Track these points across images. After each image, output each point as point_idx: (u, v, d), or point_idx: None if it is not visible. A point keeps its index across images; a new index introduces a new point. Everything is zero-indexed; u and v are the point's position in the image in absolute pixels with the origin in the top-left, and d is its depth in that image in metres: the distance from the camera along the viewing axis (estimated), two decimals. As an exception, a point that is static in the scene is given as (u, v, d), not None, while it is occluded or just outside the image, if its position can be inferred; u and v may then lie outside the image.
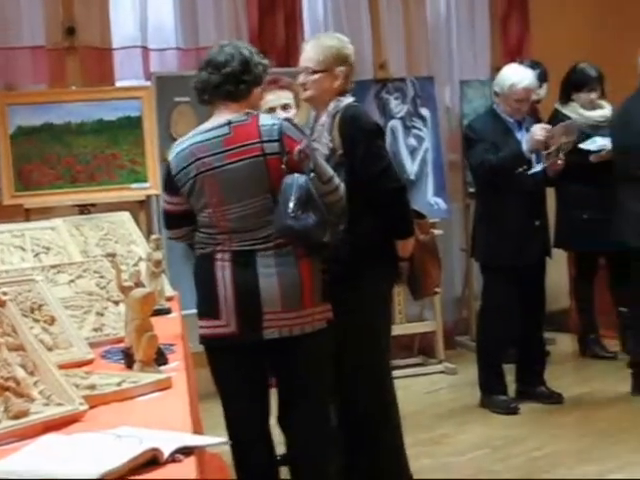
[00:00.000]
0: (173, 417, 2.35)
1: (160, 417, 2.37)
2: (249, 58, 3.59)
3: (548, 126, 5.56)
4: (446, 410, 5.82)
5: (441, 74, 7.27)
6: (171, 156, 3.57)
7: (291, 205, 3.40)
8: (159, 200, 5.91)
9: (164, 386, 2.65)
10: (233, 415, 3.62)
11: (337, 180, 3.62)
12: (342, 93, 4.03)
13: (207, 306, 3.52)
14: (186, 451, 2.03)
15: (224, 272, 3.47)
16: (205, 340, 3.57)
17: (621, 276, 6.44)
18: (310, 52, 4.04)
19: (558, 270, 6.92)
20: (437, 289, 4.33)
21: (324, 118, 3.98)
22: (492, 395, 5.68)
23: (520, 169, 5.40)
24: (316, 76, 4.00)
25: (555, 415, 5.57)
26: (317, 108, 4.07)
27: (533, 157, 5.52)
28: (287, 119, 3.63)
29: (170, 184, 3.59)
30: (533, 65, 6.60)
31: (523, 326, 5.75)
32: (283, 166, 3.45)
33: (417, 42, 7.24)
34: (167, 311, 3.92)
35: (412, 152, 6.70)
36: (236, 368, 3.54)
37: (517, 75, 5.56)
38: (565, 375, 6.32)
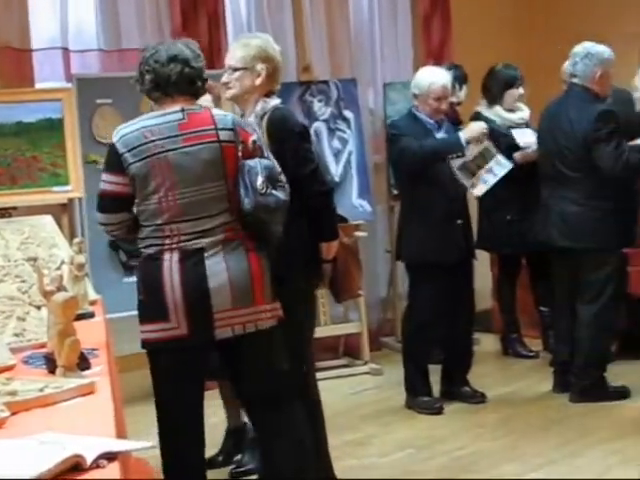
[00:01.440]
0: (97, 422, 2.33)
1: (84, 423, 2.34)
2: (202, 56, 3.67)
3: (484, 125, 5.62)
4: (371, 411, 5.84)
5: (364, 76, 7.31)
6: (116, 138, 3.49)
7: (259, 183, 3.43)
8: (82, 203, 5.85)
9: (87, 391, 2.62)
10: (171, 417, 3.57)
11: (284, 177, 3.63)
12: (268, 94, 4.04)
13: (154, 309, 3.46)
14: (110, 456, 2.01)
15: (172, 274, 3.43)
16: (150, 344, 3.52)
17: (541, 276, 6.55)
18: (232, 51, 4.13)
19: (481, 271, 6.99)
20: (360, 291, 4.35)
21: (251, 119, 3.98)
22: (417, 396, 5.72)
23: (453, 156, 5.49)
24: (237, 74, 4.05)
25: (479, 414, 5.63)
26: (242, 108, 4.09)
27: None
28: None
29: (115, 163, 3.50)
30: (453, 67, 6.68)
31: (450, 326, 5.80)
32: (240, 154, 3.47)
33: (340, 44, 7.26)
34: (90, 315, 3.88)
35: (336, 154, 6.72)
36: (182, 370, 3.51)
37: (434, 74, 5.65)
38: (488, 375, 6.39)
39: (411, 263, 5.74)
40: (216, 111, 3.60)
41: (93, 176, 5.85)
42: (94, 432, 2.20)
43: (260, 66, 4.03)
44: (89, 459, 1.96)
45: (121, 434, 2.57)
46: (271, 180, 3.49)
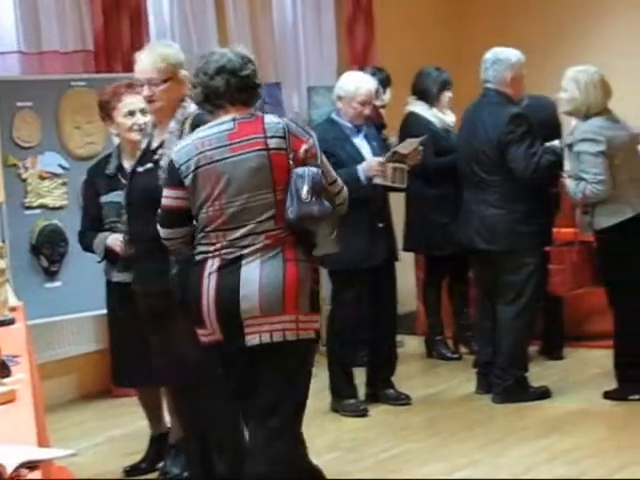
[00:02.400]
0: (18, 431, 2.30)
1: (4, 431, 2.30)
2: (254, 61, 3.67)
3: (381, 160, 5.57)
4: (297, 414, 5.83)
5: (288, 80, 7.31)
6: (174, 152, 3.60)
7: (304, 192, 3.45)
8: (1, 207, 5.75)
9: (8, 399, 2.58)
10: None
11: (341, 182, 3.70)
12: (183, 98, 4.01)
13: (195, 316, 3.58)
14: (31, 465, 1.98)
15: (209, 281, 3.52)
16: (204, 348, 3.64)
17: (464, 278, 6.63)
18: (149, 63, 3.98)
19: (405, 273, 7.05)
20: None
21: (172, 124, 3.95)
22: (342, 399, 5.73)
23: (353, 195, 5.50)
24: (163, 86, 3.96)
25: (403, 416, 5.66)
26: (160, 117, 4.03)
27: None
28: (292, 120, 3.72)
29: (174, 177, 3.59)
30: (376, 71, 6.72)
31: (373, 329, 5.83)
32: (291, 162, 3.49)
33: (264, 48, 7.26)
34: (10, 322, 3.81)
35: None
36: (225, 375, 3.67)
37: (361, 79, 5.69)
38: (413, 377, 6.44)
39: (333, 268, 5.75)
40: (268, 118, 3.60)
41: (13, 180, 5.79)
42: (15, 440, 2.17)
43: (182, 73, 4.00)
44: (9, 468, 1.93)
45: (43, 442, 2.53)
46: (317, 190, 3.47)
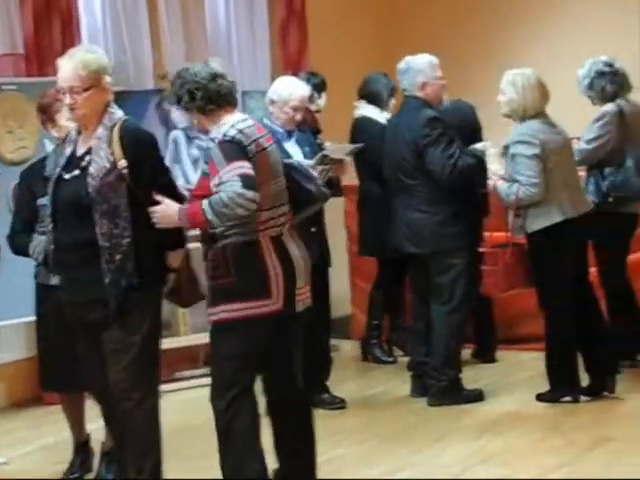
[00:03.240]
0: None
1: None
2: None
3: (310, 163, 5.57)
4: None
5: (222, 85, 7.27)
6: (233, 132, 3.97)
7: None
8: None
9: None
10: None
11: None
12: (108, 104, 3.96)
13: (260, 288, 3.99)
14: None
15: (272, 256, 4.01)
16: (246, 320, 3.99)
17: (400, 281, 6.68)
18: (71, 70, 3.88)
19: (340, 277, 7.07)
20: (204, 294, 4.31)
21: (100, 130, 3.89)
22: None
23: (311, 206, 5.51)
24: (86, 94, 3.87)
25: (339, 420, 5.66)
26: (85, 124, 3.96)
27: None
28: None
29: (243, 152, 3.96)
30: (311, 76, 6.74)
31: (307, 333, 5.82)
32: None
33: (197, 52, 7.23)
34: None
35: (195, 162, 6.68)
36: (280, 339, 4.18)
37: (295, 84, 5.72)
38: (348, 381, 6.45)
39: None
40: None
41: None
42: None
43: (106, 80, 3.94)
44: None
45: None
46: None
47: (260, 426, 4.15)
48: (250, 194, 3.86)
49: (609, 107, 6.03)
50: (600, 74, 6.04)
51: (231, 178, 3.86)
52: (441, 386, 5.78)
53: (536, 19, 8.36)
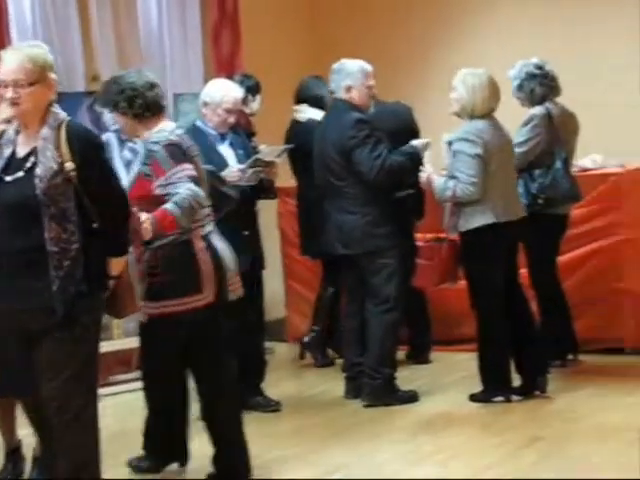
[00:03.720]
0: None
1: None
2: None
3: (242, 167, 5.58)
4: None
5: (155, 87, 7.23)
6: (176, 136, 4.41)
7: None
8: None
9: None
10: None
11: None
12: (51, 103, 3.89)
13: (192, 284, 4.36)
14: None
15: (203, 253, 4.38)
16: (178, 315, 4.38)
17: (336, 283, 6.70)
18: (16, 62, 3.77)
19: (274, 280, 7.07)
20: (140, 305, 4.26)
21: (45, 130, 3.77)
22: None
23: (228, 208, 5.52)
24: (31, 88, 3.76)
25: (273, 422, 5.67)
26: (27, 122, 3.87)
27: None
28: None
29: (185, 156, 4.38)
30: (245, 78, 6.72)
31: (240, 337, 5.82)
32: None
33: (130, 54, 7.18)
34: None
35: (127, 165, 6.62)
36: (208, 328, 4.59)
37: (228, 86, 5.72)
38: (283, 383, 6.45)
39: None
40: None
41: None
42: None
43: (51, 77, 3.86)
44: None
45: None
46: None
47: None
48: (202, 194, 4.28)
49: (537, 110, 6.11)
50: (530, 76, 6.12)
51: (182, 179, 4.16)
52: (376, 385, 5.81)
53: (473, 21, 8.40)
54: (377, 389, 5.81)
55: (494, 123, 5.70)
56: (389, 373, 5.84)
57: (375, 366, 5.81)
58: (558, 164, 6.01)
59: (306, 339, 6.84)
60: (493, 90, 5.68)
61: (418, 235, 6.14)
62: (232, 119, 5.67)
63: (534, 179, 5.96)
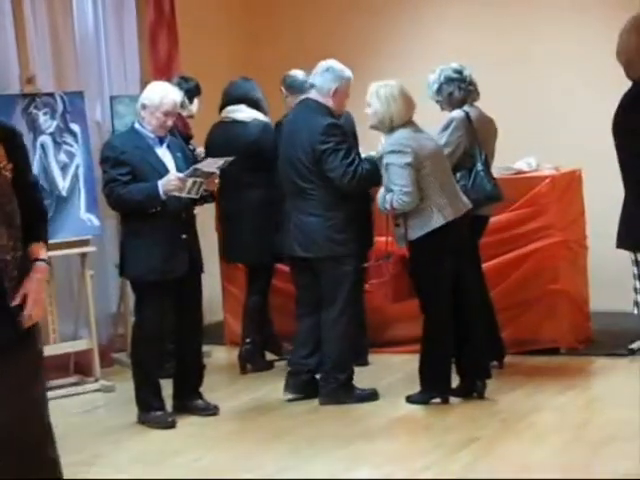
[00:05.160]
0: None
1: None
2: None
3: (181, 175, 5.54)
4: (103, 429, 5.74)
5: (91, 89, 7.19)
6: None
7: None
8: None
9: None
10: None
11: None
12: None
13: None
14: None
15: None
16: None
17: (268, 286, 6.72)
18: None
19: (212, 283, 7.05)
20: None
21: None
22: (149, 411, 5.67)
23: (154, 210, 5.48)
24: None
25: (212, 426, 5.65)
26: None
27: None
28: None
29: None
30: (183, 81, 6.70)
31: (179, 340, 5.81)
32: None
33: (66, 56, 7.10)
34: None
35: (63, 168, 6.56)
36: None
37: (167, 89, 5.69)
38: (222, 386, 6.43)
39: (135, 280, 5.70)
40: None
41: None
42: None
43: None
44: None
45: None
46: None
47: None
48: None
49: (456, 113, 6.17)
50: (449, 80, 6.17)
51: None
52: (331, 389, 5.84)
53: (413, 26, 8.43)
54: (332, 392, 5.84)
55: (416, 129, 5.73)
56: (345, 378, 5.87)
57: (331, 371, 5.85)
58: (479, 166, 6.07)
59: (242, 351, 6.80)
60: (407, 99, 5.70)
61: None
62: (170, 122, 5.65)
63: (457, 181, 6.00)
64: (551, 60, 7.84)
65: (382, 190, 5.68)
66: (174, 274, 5.56)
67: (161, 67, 7.54)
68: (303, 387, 5.98)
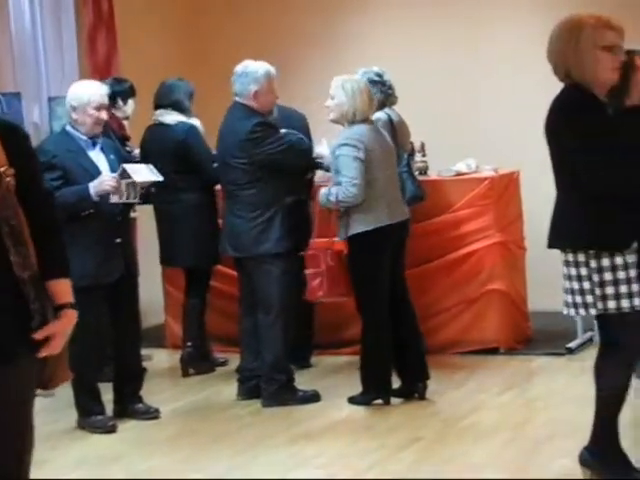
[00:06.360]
0: None
1: None
2: None
3: (115, 178, 5.50)
4: (41, 434, 5.59)
5: (29, 90, 7.12)
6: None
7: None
8: None
9: None
10: None
11: None
12: None
13: None
14: None
15: None
16: None
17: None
18: None
19: (153, 286, 7.01)
20: None
21: None
22: (89, 416, 5.62)
23: (87, 212, 5.43)
24: None
25: (153, 430, 5.62)
26: None
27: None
28: None
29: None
30: (116, 83, 6.66)
31: (117, 344, 5.77)
32: None
33: (2, 57, 7.03)
34: None
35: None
36: None
37: (90, 85, 5.73)
38: (163, 390, 6.40)
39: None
40: None
41: None
42: None
43: None
44: None
45: None
46: None
47: None
48: None
49: (379, 115, 6.23)
50: (371, 82, 6.21)
51: None
52: (272, 391, 5.85)
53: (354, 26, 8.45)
54: (274, 394, 5.84)
55: (374, 127, 5.77)
56: (284, 379, 5.88)
57: (269, 373, 5.85)
58: (402, 167, 6.12)
59: (184, 354, 6.76)
60: (370, 95, 5.76)
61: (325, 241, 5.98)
62: (104, 115, 5.62)
63: None
64: (491, 62, 7.92)
65: (325, 189, 5.69)
66: (109, 279, 5.52)
67: (100, 68, 7.49)
68: (256, 391, 5.97)
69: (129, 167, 5.55)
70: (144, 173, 5.62)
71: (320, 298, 6.02)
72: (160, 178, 5.69)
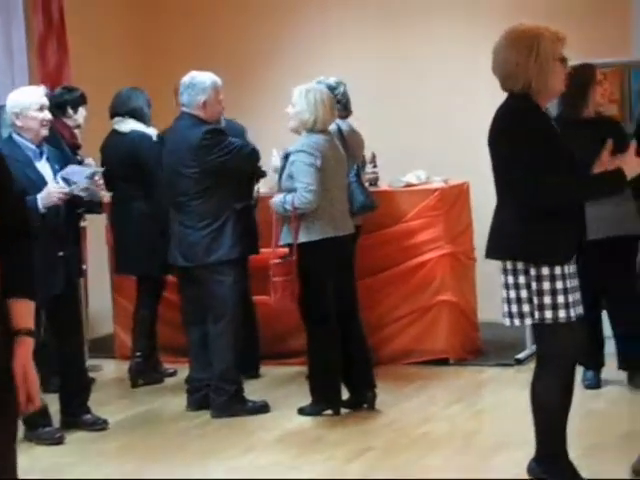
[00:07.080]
0: None
1: None
2: None
3: (64, 189, 5.47)
4: (-11, 445, 5.59)
5: (-23, 99, 7.03)
6: None
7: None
8: None
9: None
10: None
11: None
12: None
13: None
14: None
15: None
16: None
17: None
18: None
19: (102, 295, 6.95)
20: None
21: None
22: (36, 427, 5.55)
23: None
24: None
25: (101, 441, 5.56)
26: None
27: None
28: None
29: None
30: (66, 91, 6.62)
31: (60, 356, 5.71)
32: None
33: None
34: None
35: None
36: None
37: (27, 89, 5.73)
38: (112, 400, 6.34)
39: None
40: None
41: None
42: None
43: None
44: None
45: None
46: None
47: None
48: None
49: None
50: None
51: None
52: (221, 401, 5.81)
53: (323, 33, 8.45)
54: (224, 404, 5.81)
55: (331, 138, 5.78)
56: (233, 389, 5.85)
57: (219, 383, 5.82)
58: (352, 176, 6.14)
59: (133, 364, 6.70)
60: (332, 105, 5.77)
61: (269, 251, 5.90)
62: (48, 115, 5.57)
63: None
64: (443, 75, 7.96)
65: (278, 197, 5.67)
66: (50, 292, 5.43)
67: (50, 77, 7.43)
68: (205, 402, 5.93)
69: (64, 173, 5.51)
70: (81, 170, 5.60)
71: (289, 306, 5.95)
72: (100, 169, 5.69)
